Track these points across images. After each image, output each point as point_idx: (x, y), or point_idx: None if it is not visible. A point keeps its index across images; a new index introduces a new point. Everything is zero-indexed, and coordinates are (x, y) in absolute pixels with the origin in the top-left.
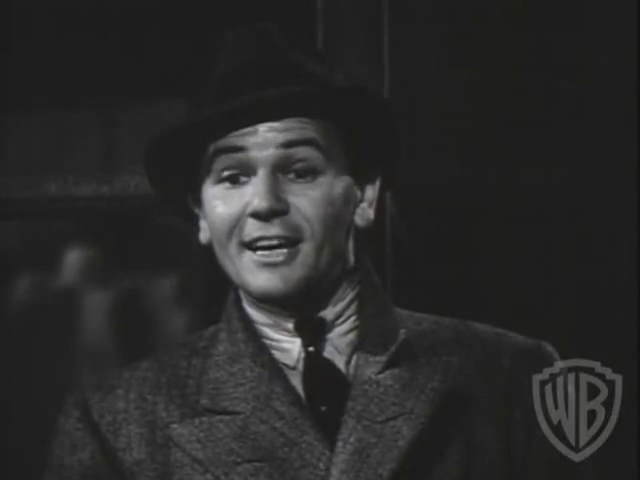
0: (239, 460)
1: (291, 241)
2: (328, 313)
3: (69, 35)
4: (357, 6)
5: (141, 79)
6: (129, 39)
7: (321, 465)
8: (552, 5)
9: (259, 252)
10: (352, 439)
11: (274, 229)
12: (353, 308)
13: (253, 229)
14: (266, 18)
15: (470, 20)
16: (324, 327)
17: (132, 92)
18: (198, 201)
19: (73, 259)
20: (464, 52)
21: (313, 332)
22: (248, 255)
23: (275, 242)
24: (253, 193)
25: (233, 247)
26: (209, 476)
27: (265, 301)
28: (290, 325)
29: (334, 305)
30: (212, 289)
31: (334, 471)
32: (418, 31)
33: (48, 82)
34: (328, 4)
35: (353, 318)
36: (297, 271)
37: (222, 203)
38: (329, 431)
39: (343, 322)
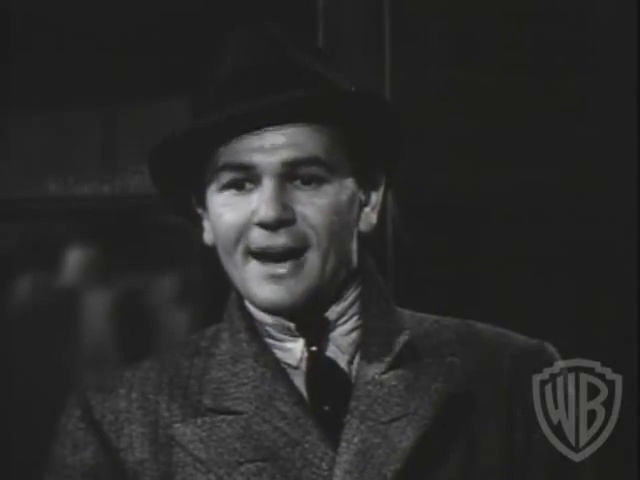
0: (242, 460)
1: (297, 251)
2: (331, 312)
3: (69, 35)
4: (358, 6)
5: (141, 79)
6: (129, 39)
7: (324, 465)
8: (552, 5)
9: (265, 263)
10: (356, 439)
11: (281, 239)
12: (356, 307)
13: (260, 239)
14: (266, 18)
15: (470, 20)
16: (327, 326)
17: (132, 92)
18: (202, 202)
19: (74, 259)
20: (464, 52)
21: (316, 332)
22: (254, 265)
23: (281, 250)
24: (260, 201)
25: (239, 255)
26: (212, 476)
27: (270, 312)
28: (292, 325)
29: (337, 304)
30: (213, 288)
31: (337, 471)
32: (418, 31)
33: (48, 82)
34: (328, 4)
35: (356, 317)
36: (303, 283)
37: (228, 210)
38: (332, 431)
39: (346, 321)
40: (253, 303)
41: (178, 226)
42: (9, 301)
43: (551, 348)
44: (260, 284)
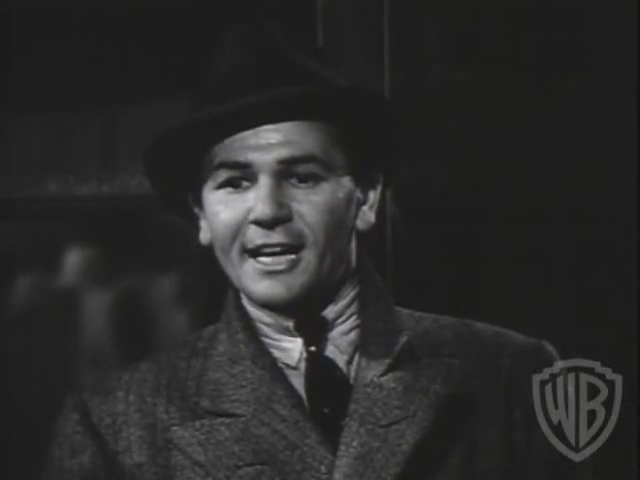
0: (240, 463)
1: (293, 248)
2: (329, 312)
3: (69, 35)
4: (357, 6)
5: (141, 79)
6: (129, 39)
7: (323, 468)
8: (552, 5)
9: (261, 259)
10: (355, 443)
11: (277, 236)
12: (354, 307)
13: (256, 236)
14: (266, 18)
15: (470, 20)
16: (325, 326)
17: (132, 92)
18: (198, 201)
19: (73, 259)
20: (464, 52)
21: (314, 331)
22: (250, 262)
23: (278, 249)
24: (256, 199)
25: (235, 253)
26: (210, 479)
27: (267, 308)
28: (291, 324)
29: (335, 304)
30: (212, 289)
31: (337, 475)
32: (418, 31)
33: (48, 82)
34: (328, 4)
35: (354, 317)
36: (299, 278)
37: (224, 208)
38: (331, 434)
39: (344, 321)
40: (250, 299)
41: (178, 226)
42: (9, 301)
43: (549, 347)
44: (257, 280)
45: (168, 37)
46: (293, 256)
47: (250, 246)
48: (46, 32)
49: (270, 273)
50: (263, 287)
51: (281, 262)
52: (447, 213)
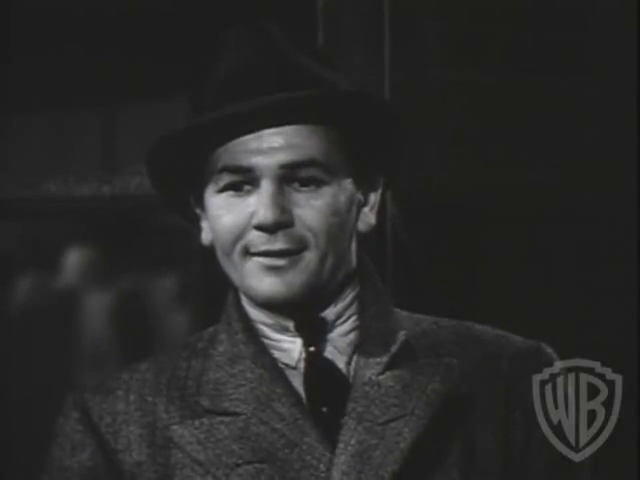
0: (240, 461)
1: (295, 252)
2: (329, 313)
3: (69, 35)
4: (357, 6)
5: (141, 79)
6: (129, 39)
7: (322, 467)
8: (552, 5)
9: (263, 258)
10: (353, 441)
11: (279, 243)
12: (354, 308)
13: (259, 242)
14: (266, 18)
15: (470, 20)
16: (325, 327)
17: (132, 92)
18: (200, 203)
19: (73, 259)
20: (464, 52)
21: (314, 332)
22: (253, 260)
23: (280, 254)
24: (258, 204)
25: (237, 255)
26: (210, 478)
27: (268, 307)
28: (291, 325)
29: (335, 305)
30: (213, 289)
31: (335, 473)
32: (418, 31)
33: (48, 82)
34: (328, 4)
35: (354, 318)
36: (300, 276)
37: (226, 212)
38: (330, 432)
39: (344, 322)
40: (251, 298)
41: (178, 227)
42: (9, 301)
43: (548, 349)
44: (259, 277)
45: (168, 37)
46: (295, 256)
47: (253, 250)
48: (46, 32)
49: (272, 269)
50: (266, 284)
51: (284, 259)
52: (447, 213)
